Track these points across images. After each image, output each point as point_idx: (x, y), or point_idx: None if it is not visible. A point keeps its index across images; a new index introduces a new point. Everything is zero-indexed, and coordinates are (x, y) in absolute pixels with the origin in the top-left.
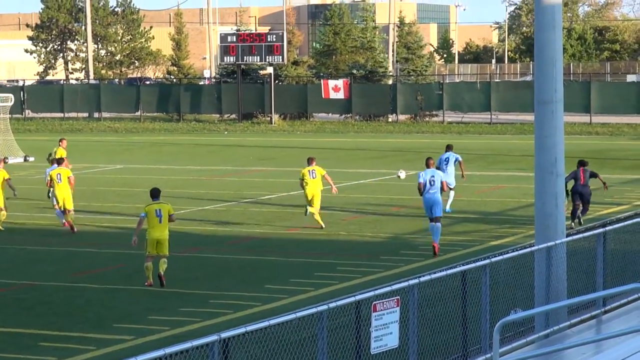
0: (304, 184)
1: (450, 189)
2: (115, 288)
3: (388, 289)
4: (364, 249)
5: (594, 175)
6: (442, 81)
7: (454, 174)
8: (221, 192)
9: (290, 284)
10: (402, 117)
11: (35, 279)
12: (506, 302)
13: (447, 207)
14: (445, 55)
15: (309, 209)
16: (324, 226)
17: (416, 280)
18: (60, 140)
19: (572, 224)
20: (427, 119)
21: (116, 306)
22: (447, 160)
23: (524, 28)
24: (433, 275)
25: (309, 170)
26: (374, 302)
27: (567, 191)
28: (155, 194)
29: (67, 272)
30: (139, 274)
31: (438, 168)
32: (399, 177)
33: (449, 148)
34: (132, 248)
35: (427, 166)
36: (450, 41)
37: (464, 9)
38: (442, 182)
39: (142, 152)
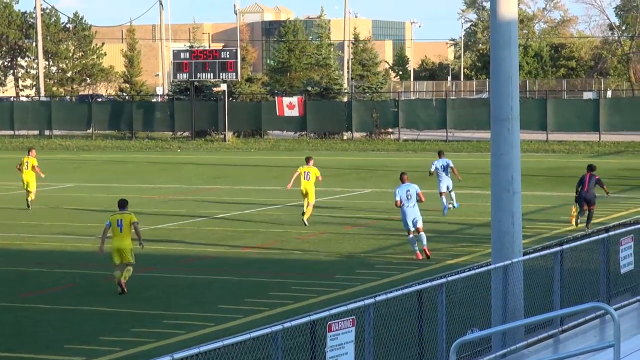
0: (298, 179)
1: (442, 192)
2: (66, 308)
3: (343, 308)
4: (319, 267)
5: (599, 182)
6: (397, 98)
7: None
8: (174, 211)
9: (244, 304)
10: (357, 134)
11: None
12: (463, 322)
13: (455, 204)
14: (400, 73)
15: (306, 221)
16: (307, 224)
17: (372, 300)
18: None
19: (586, 228)
20: (382, 136)
21: (67, 327)
22: (445, 166)
23: (480, 45)
24: (389, 295)
25: (304, 172)
26: (330, 322)
27: (575, 197)
28: (121, 204)
29: (16, 293)
30: (91, 294)
31: (445, 169)
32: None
33: (441, 154)
34: (83, 268)
35: (402, 181)
36: (406, 58)
37: (420, 26)
38: (418, 194)
39: (93, 170)
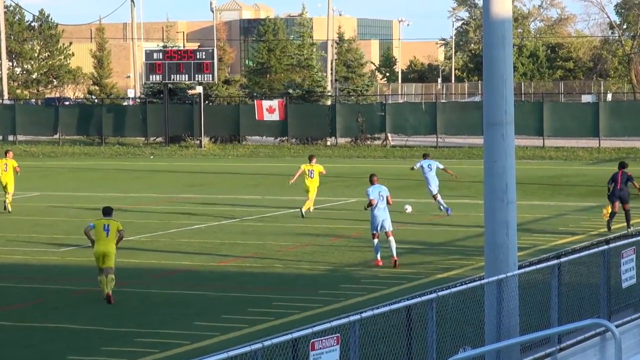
0: (302, 177)
1: (434, 194)
2: (32, 326)
3: (327, 325)
4: (302, 282)
5: (630, 179)
6: (384, 102)
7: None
8: (147, 222)
9: (221, 321)
10: (341, 140)
11: None
12: (454, 340)
13: (447, 209)
14: (387, 74)
15: (303, 211)
16: (304, 216)
17: (358, 316)
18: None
19: (628, 229)
20: (368, 142)
21: (33, 345)
22: (429, 166)
23: (472, 45)
24: (376, 311)
25: (308, 170)
26: (312, 340)
27: (607, 195)
28: (107, 212)
29: None
30: (58, 310)
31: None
32: (405, 210)
33: (426, 156)
34: (50, 282)
35: (372, 182)
36: (393, 59)
37: (408, 24)
38: (387, 197)
39: (61, 178)
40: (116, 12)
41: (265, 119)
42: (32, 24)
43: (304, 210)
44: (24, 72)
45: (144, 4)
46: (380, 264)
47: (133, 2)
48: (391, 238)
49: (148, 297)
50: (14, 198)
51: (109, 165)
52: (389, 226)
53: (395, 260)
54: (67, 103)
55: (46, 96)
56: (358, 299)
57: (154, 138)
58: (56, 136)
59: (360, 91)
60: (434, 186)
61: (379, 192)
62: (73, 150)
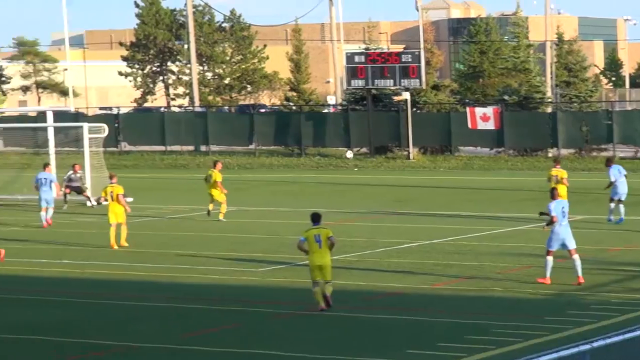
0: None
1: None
2: (230, 352)
3: (554, 355)
4: (524, 307)
5: None
6: (610, 109)
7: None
8: (352, 240)
9: (436, 349)
10: (564, 151)
11: (136, 340)
12: None
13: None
14: (613, 79)
15: None
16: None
17: (588, 346)
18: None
19: None
20: (594, 153)
21: None
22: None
23: None
24: (608, 340)
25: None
26: None
27: None
28: (315, 218)
29: (176, 332)
30: (257, 335)
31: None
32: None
33: (609, 162)
34: (248, 305)
35: (553, 197)
36: (619, 61)
37: (634, 24)
38: (565, 212)
39: (257, 192)
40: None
41: (478, 128)
42: (223, 25)
43: None
44: (216, 77)
45: (343, 3)
46: (548, 282)
47: (331, 1)
48: (576, 256)
49: (355, 321)
50: (205, 213)
51: (309, 178)
52: (572, 244)
53: (580, 282)
54: (262, 110)
55: (240, 103)
56: (587, 326)
57: (358, 149)
58: (252, 146)
59: (584, 97)
60: (622, 193)
61: (561, 208)
62: (270, 161)
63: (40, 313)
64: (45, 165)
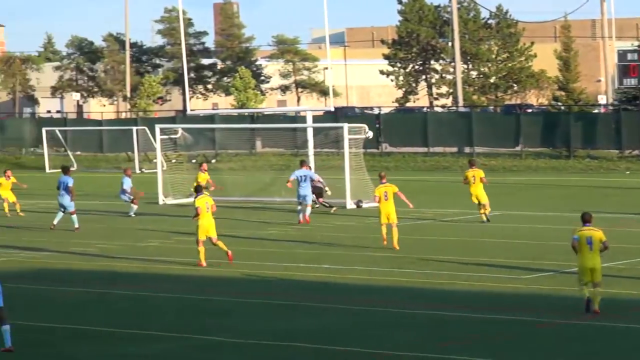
0: None
1: None
2: None
3: None
4: None
5: None
6: None
7: None
8: (624, 247)
9: None
10: None
11: (395, 348)
12: None
13: None
14: None
15: None
16: None
17: None
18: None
19: None
20: None
21: None
22: None
23: None
24: None
25: None
26: None
27: None
28: (587, 219)
29: (433, 341)
30: (518, 344)
31: None
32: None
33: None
34: (511, 313)
35: None
36: None
37: None
38: None
39: (522, 196)
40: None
41: None
42: (489, 22)
43: None
44: (481, 75)
45: None
46: None
47: None
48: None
49: (625, 334)
50: (469, 217)
51: (577, 181)
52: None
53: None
54: (529, 110)
55: (505, 103)
56: None
57: (630, 151)
58: (517, 148)
59: None
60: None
61: None
62: (536, 164)
63: (297, 319)
64: (302, 162)
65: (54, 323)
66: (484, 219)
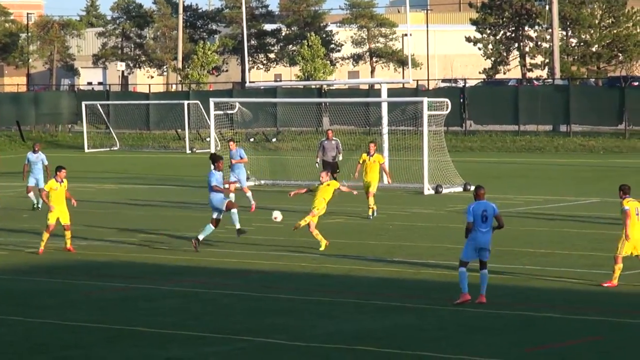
0: None
1: None
2: None
3: None
4: None
5: None
6: None
7: None
8: None
9: None
10: None
11: (475, 352)
12: None
13: None
14: None
15: None
16: None
17: None
18: None
19: None
20: None
21: None
22: None
23: None
24: None
25: None
26: None
27: None
28: (626, 190)
29: (519, 345)
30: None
31: None
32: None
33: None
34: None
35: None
36: None
37: None
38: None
39: (625, 182)
40: None
41: None
42: None
43: None
44: (581, 44)
45: None
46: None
47: None
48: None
49: None
50: (562, 205)
51: None
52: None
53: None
54: (635, 84)
55: (609, 75)
56: None
57: None
58: (621, 126)
59: None
60: None
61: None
62: None
63: (368, 319)
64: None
65: (89, 322)
66: None
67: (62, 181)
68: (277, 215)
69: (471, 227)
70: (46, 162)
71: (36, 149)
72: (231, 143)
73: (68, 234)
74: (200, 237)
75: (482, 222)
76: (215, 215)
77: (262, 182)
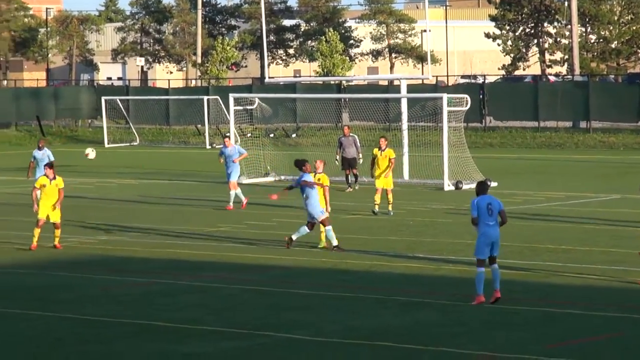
0: None
1: None
2: None
3: None
4: None
5: None
6: None
7: None
8: None
9: None
10: None
11: (497, 349)
12: None
13: None
14: None
15: None
16: None
17: None
18: None
19: None
20: None
21: None
22: None
23: None
24: None
25: None
26: None
27: None
28: None
29: (540, 341)
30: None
31: None
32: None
33: None
34: (633, 310)
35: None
36: None
37: None
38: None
39: None
40: None
41: None
42: None
43: None
44: (601, 40)
45: None
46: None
47: None
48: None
49: None
50: (582, 202)
51: None
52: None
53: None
54: None
55: (629, 71)
56: None
57: None
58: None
59: None
60: None
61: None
62: None
63: (389, 315)
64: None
65: (108, 317)
66: None
67: (55, 178)
68: (89, 152)
69: (476, 222)
70: (52, 158)
71: (40, 145)
72: (226, 140)
73: (57, 232)
74: (294, 236)
75: (488, 215)
76: (310, 219)
77: (282, 177)
